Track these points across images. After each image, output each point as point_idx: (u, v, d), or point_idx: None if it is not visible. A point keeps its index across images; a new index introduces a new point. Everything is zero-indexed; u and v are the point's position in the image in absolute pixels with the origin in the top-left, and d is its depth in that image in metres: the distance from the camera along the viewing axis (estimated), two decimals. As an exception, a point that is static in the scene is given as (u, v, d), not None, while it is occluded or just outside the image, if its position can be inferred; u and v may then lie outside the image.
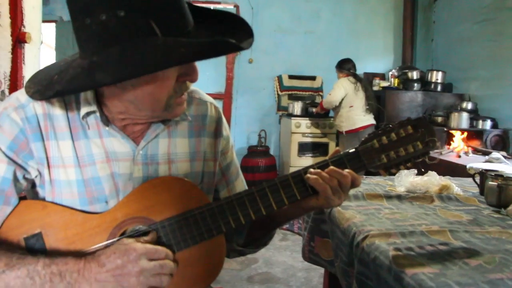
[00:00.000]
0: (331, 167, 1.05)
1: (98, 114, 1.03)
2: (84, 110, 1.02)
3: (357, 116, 5.23)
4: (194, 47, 0.87)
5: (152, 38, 0.87)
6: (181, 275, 1.00)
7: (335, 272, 1.65)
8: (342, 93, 5.31)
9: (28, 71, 2.44)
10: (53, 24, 6.31)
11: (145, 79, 0.92)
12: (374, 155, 1.07)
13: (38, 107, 1.02)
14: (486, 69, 5.60)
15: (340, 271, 1.52)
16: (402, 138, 1.07)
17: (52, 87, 0.92)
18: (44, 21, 3.25)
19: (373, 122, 5.31)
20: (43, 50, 2.94)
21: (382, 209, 1.67)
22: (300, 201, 1.08)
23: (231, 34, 0.96)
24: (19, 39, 2.34)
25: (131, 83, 0.94)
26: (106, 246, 0.97)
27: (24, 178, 1.03)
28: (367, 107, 5.22)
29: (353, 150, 1.08)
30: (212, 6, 6.52)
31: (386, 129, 1.08)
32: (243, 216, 1.02)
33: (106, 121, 1.04)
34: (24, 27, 2.39)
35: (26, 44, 2.40)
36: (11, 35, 2.34)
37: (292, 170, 6.00)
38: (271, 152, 6.59)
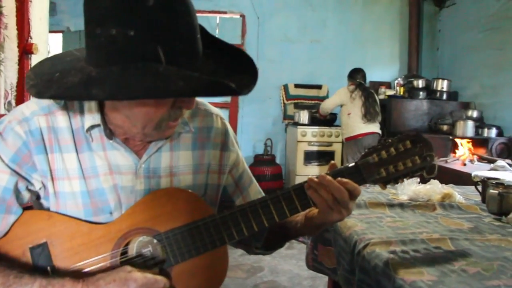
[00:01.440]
0: (329, 178, 1.03)
1: (102, 127, 1.04)
2: (88, 123, 1.04)
3: (355, 123, 5.25)
4: (193, 83, 0.88)
5: (155, 65, 0.87)
6: (185, 286, 1.02)
7: (338, 280, 1.66)
8: (336, 101, 5.47)
9: (35, 82, 2.47)
10: (60, 35, 6.37)
11: (141, 100, 0.94)
12: (374, 169, 1.08)
13: (42, 121, 1.04)
14: (492, 78, 5.59)
15: (343, 279, 1.52)
16: (401, 152, 1.09)
17: (50, 86, 0.92)
18: (51, 31, 3.27)
19: (375, 130, 5.27)
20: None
21: (384, 217, 1.68)
22: (307, 219, 1.11)
23: (236, 72, 0.97)
24: (26, 50, 2.37)
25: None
26: (106, 270, 0.98)
27: (28, 189, 1.04)
28: (365, 115, 5.21)
29: (353, 164, 1.08)
30: (218, 16, 6.57)
31: (386, 143, 1.10)
32: (246, 228, 1.04)
33: (110, 134, 1.05)
34: (31, 38, 2.42)
35: (33, 55, 2.43)
36: (18, 47, 2.36)
37: (298, 178, 6.05)
38: (277, 160, 6.60)
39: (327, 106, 5.63)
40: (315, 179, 1.04)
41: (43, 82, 0.95)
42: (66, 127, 1.05)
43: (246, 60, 1.02)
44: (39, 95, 0.93)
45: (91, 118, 1.04)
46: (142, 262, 1.04)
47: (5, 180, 1.00)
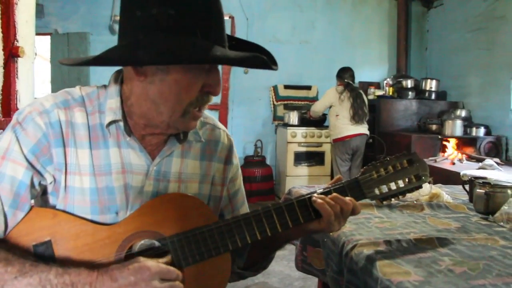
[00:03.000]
0: (335, 194, 1.11)
1: (122, 123, 1.06)
2: (109, 118, 1.06)
3: (343, 125, 5.24)
4: (229, 54, 0.97)
5: (193, 37, 0.94)
6: None
7: (327, 281, 1.66)
8: (326, 103, 5.44)
9: (21, 85, 2.44)
10: (49, 37, 6.32)
11: (175, 76, 0.98)
12: (373, 185, 1.16)
13: (62, 114, 1.05)
14: (479, 77, 5.65)
15: (331, 280, 1.53)
16: (399, 171, 1.18)
17: (89, 58, 0.99)
18: (39, 33, 3.24)
19: (363, 131, 5.26)
20: (38, 63, 2.94)
21: (372, 218, 1.68)
22: (303, 224, 1.14)
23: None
24: (12, 53, 2.34)
25: (160, 78, 0.98)
26: (119, 261, 0.98)
27: (39, 184, 1.04)
28: (354, 116, 5.20)
29: (354, 179, 1.16)
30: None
31: (384, 161, 1.19)
32: (249, 236, 1.06)
33: (129, 131, 1.07)
34: (17, 41, 2.39)
35: (19, 58, 2.40)
36: (3, 50, 2.33)
37: (288, 179, 6.01)
38: (267, 162, 6.60)
39: (317, 109, 5.62)
40: (321, 195, 1.11)
41: (79, 62, 1.02)
42: (82, 123, 1.07)
43: (265, 52, 1.09)
44: (80, 63, 1.00)
45: (112, 113, 1.06)
46: None
47: (21, 173, 1.00)
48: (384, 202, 1.21)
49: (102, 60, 0.98)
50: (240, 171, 1.33)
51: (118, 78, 1.10)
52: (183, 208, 1.07)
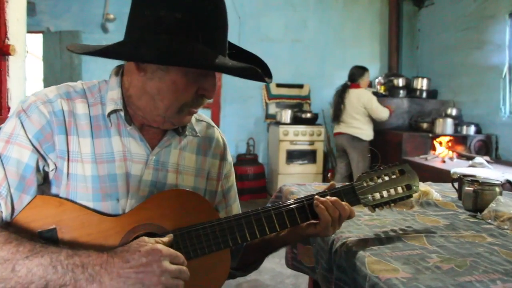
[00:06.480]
0: (336, 198, 1.20)
1: (122, 113, 1.11)
2: (110, 107, 1.10)
3: (334, 123, 5.50)
4: (227, 62, 1.02)
5: (195, 43, 1.00)
6: (187, 284, 1.02)
7: (317, 278, 1.67)
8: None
9: (13, 83, 2.42)
10: (41, 35, 6.29)
11: (173, 77, 1.03)
12: (367, 192, 1.27)
13: (65, 104, 1.10)
14: (470, 76, 5.69)
15: (321, 277, 1.54)
16: (391, 180, 1.29)
17: (96, 47, 1.04)
18: (31, 32, 3.21)
19: (344, 131, 5.35)
20: (30, 61, 2.92)
21: (362, 215, 1.69)
22: (299, 228, 1.21)
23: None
24: (3, 51, 2.31)
25: (160, 76, 1.03)
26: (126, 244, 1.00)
27: (43, 170, 1.06)
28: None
29: (349, 185, 1.27)
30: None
31: (378, 170, 1.30)
32: (249, 234, 1.12)
33: (129, 120, 1.12)
34: (8, 39, 2.36)
35: (10, 56, 2.39)
36: (-6, 48, 2.31)
37: (280, 177, 6.03)
38: (260, 160, 6.61)
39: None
40: (322, 199, 1.20)
41: (86, 48, 1.07)
42: (84, 114, 1.11)
43: (262, 63, 1.17)
44: (85, 51, 1.05)
45: (114, 103, 1.11)
46: None
47: (26, 156, 1.03)
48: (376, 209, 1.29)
49: (108, 52, 1.02)
50: (233, 169, 1.38)
51: (119, 72, 1.15)
52: (187, 203, 1.12)
